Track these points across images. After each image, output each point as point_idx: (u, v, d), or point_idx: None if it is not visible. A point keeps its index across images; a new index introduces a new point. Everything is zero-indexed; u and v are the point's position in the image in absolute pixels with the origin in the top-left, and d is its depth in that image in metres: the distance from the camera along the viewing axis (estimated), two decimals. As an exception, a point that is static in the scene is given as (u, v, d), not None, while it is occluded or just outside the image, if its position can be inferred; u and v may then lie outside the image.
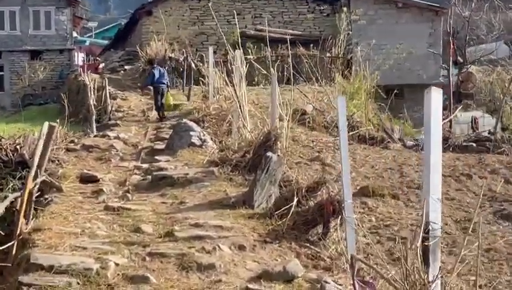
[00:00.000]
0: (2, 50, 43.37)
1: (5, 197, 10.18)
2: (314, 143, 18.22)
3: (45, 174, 11.06)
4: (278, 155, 12.02)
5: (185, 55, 29.44)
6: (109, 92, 25.46)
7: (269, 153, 11.38)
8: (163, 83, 22.71)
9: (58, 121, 18.55)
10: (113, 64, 36.63)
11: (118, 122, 20.90)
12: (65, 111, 23.29)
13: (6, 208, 9.42)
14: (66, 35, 44.85)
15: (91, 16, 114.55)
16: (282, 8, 37.52)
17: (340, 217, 9.24)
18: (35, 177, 10.09)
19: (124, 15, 70.31)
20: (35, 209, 10.34)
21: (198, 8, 36.50)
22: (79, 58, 50.15)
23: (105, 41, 55.09)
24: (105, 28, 74.22)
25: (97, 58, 46.27)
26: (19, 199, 9.29)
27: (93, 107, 20.74)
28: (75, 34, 50.80)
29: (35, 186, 9.80)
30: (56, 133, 16.52)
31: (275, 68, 17.07)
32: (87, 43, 57.39)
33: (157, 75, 22.73)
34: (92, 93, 21.83)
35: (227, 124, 17.47)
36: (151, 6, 36.70)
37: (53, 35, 44.31)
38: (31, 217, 9.78)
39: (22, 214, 9.01)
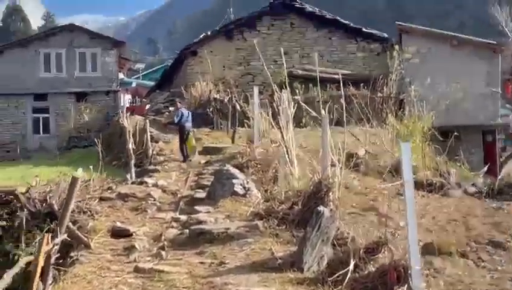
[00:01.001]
0: (48, 92, 43.28)
1: (18, 259, 9.00)
2: (368, 190, 16.82)
3: (68, 231, 9.88)
4: (331, 209, 10.68)
5: (229, 96, 28.50)
6: (151, 135, 24.68)
7: (321, 208, 10.05)
8: (189, 123, 22.97)
9: (101, 164, 17.73)
10: (158, 106, 35.98)
11: (158, 167, 19.87)
12: (108, 154, 22.50)
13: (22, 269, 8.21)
14: (112, 77, 44.58)
15: (140, 58, 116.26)
16: (330, 47, 36.52)
17: (406, 285, 7.86)
18: (58, 234, 8.92)
19: (172, 56, 70.31)
20: (57, 270, 9.20)
21: (244, 48, 35.68)
22: (125, 100, 49.91)
23: (152, 83, 54.77)
24: (153, 69, 74.50)
25: (143, 99, 45.87)
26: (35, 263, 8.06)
27: (132, 151, 19.75)
28: (121, 76, 50.66)
29: (53, 247, 8.55)
30: (92, 181, 15.60)
31: (325, 109, 15.82)
32: (133, 85, 57.24)
33: (185, 114, 22.96)
34: (131, 136, 20.80)
35: (274, 170, 16.17)
36: (196, 47, 36.01)
37: (99, 77, 44.08)
38: (50, 281, 8.57)
39: (36, 281, 7.78)
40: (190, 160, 21.46)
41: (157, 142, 25.05)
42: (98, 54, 44.10)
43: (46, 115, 43.41)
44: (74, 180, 9.05)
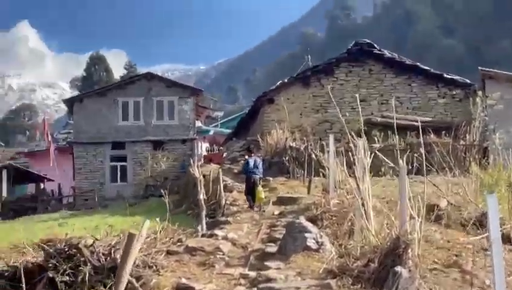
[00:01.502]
0: (126, 140, 43.66)
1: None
2: (451, 244, 15.75)
3: (131, 287, 9.31)
4: (409, 270, 9.80)
5: (305, 144, 27.88)
6: (225, 184, 24.23)
7: (398, 268, 9.23)
8: (256, 174, 22.26)
9: (168, 215, 17.26)
10: (234, 154, 35.74)
11: (230, 219, 19.26)
12: (184, 203, 22.10)
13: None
14: (189, 125, 44.70)
15: (220, 106, 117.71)
16: (410, 93, 35.63)
17: None
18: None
19: (250, 104, 70.54)
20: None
21: (321, 95, 35.16)
22: (202, 148, 50.01)
23: (229, 131, 54.80)
24: (231, 117, 74.88)
25: (220, 147, 45.81)
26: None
27: (203, 202, 19.27)
28: (199, 124, 50.85)
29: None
30: (161, 232, 15.10)
31: (404, 158, 14.96)
32: (211, 133, 57.39)
33: (251, 164, 22.46)
34: (202, 187, 20.33)
35: (349, 223, 15.32)
36: (273, 94, 35.70)
37: (176, 125, 44.34)
38: None
39: None
40: (263, 211, 20.82)
41: (231, 191, 24.57)
42: (175, 102, 44.45)
43: (124, 164, 43.82)
44: (130, 238, 8.50)
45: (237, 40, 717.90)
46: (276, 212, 20.19)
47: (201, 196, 19.52)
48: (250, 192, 21.83)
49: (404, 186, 12.66)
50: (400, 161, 14.07)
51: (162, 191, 38.74)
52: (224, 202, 21.72)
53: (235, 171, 29.76)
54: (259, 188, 22.01)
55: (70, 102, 47.24)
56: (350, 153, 16.39)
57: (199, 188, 19.94)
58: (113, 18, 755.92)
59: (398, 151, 16.78)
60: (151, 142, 43.89)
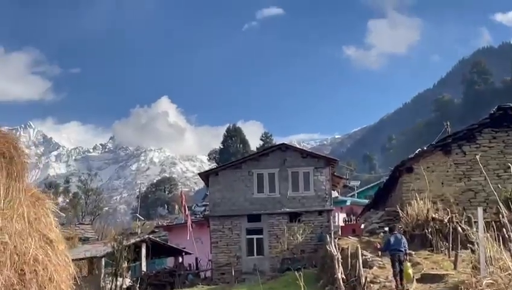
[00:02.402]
0: (262, 213, 43.23)
1: None
2: None
3: None
4: None
5: (449, 215, 26.24)
6: (365, 259, 22.99)
7: None
8: (400, 251, 20.91)
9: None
10: (372, 226, 34.35)
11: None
12: (321, 278, 21.07)
13: None
14: (325, 195, 43.79)
15: (356, 175, 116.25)
16: (563, 158, 33.04)
17: None
18: None
19: (387, 173, 69.01)
20: None
21: (463, 162, 33.31)
22: (339, 218, 48.96)
23: (367, 201, 53.37)
24: (368, 186, 73.60)
25: (358, 218, 44.56)
26: None
27: (341, 282, 18.14)
28: (335, 194, 49.87)
29: None
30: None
31: None
32: (347, 203, 56.14)
33: (392, 241, 21.27)
34: (339, 265, 19.24)
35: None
36: (411, 163, 34.18)
37: (311, 196, 43.55)
38: None
39: None
40: (404, 286, 19.46)
41: (371, 267, 23.27)
42: (311, 172, 43.73)
43: (260, 236, 43.25)
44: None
45: (372, 108, 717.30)
46: (421, 291, 18.78)
47: (339, 275, 18.45)
48: (397, 271, 20.63)
49: None
50: None
51: (299, 264, 38.22)
52: (364, 280, 20.44)
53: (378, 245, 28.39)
54: (407, 263, 20.84)
55: (205, 175, 47.54)
56: (500, 224, 14.91)
57: (337, 266, 18.86)
58: (249, 91, 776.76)
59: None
60: (287, 214, 43.14)
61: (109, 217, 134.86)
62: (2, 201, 7.67)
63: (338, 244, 28.57)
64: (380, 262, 24.41)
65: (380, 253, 24.87)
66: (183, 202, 50.31)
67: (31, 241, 7.72)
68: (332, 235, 24.18)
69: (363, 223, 38.73)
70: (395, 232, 22.12)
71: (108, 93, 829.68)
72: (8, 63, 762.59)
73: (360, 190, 70.74)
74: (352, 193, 67.27)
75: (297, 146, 69.41)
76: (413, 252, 25.38)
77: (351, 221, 48.18)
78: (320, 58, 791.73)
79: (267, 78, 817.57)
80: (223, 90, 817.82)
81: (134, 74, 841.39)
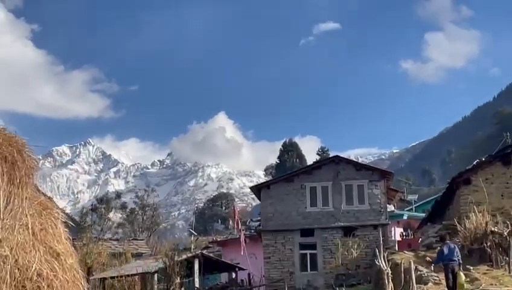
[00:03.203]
0: (315, 227, 42.26)
1: None
2: None
3: None
4: None
5: (509, 228, 25.07)
6: (420, 275, 21.99)
7: None
8: (454, 260, 20.60)
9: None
10: (429, 240, 33.31)
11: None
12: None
13: None
14: (381, 209, 42.57)
15: (415, 189, 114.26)
16: None
17: None
18: None
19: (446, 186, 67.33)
20: None
21: (524, 173, 32.01)
22: (396, 233, 47.70)
23: (424, 215, 51.94)
24: (426, 200, 72.11)
25: (414, 233, 43.21)
26: None
27: (391, 297, 17.18)
28: (391, 208, 48.65)
29: None
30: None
31: None
32: (404, 217, 54.75)
33: (446, 251, 21.00)
34: (389, 281, 18.27)
35: None
36: (469, 174, 33.05)
37: (366, 209, 42.39)
38: None
39: None
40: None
41: (425, 283, 22.23)
42: (365, 186, 42.56)
43: (313, 251, 42.19)
44: None
45: (430, 122, 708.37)
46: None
47: (389, 291, 17.50)
48: (450, 283, 20.22)
49: None
50: None
51: (353, 280, 37.15)
52: (417, 296, 19.49)
53: (430, 259, 27.32)
54: (461, 274, 20.07)
55: (257, 189, 46.75)
56: None
57: (386, 282, 17.91)
58: (307, 107, 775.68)
59: None
60: (341, 228, 41.97)
61: (167, 232, 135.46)
62: (2, 210, 7.07)
63: (393, 259, 27.58)
64: (436, 278, 23.39)
65: (432, 267, 23.86)
66: (236, 217, 49.63)
67: (34, 254, 7.12)
68: (382, 250, 23.11)
69: (420, 237, 37.56)
70: (447, 241, 21.40)
71: (166, 110, 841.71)
72: (68, 81, 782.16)
73: (418, 203, 69.23)
74: (410, 207, 65.83)
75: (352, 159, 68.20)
76: (471, 267, 24.30)
77: (408, 235, 46.85)
78: (379, 72, 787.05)
79: (324, 93, 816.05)
80: (280, 106, 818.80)
81: (191, 91, 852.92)
